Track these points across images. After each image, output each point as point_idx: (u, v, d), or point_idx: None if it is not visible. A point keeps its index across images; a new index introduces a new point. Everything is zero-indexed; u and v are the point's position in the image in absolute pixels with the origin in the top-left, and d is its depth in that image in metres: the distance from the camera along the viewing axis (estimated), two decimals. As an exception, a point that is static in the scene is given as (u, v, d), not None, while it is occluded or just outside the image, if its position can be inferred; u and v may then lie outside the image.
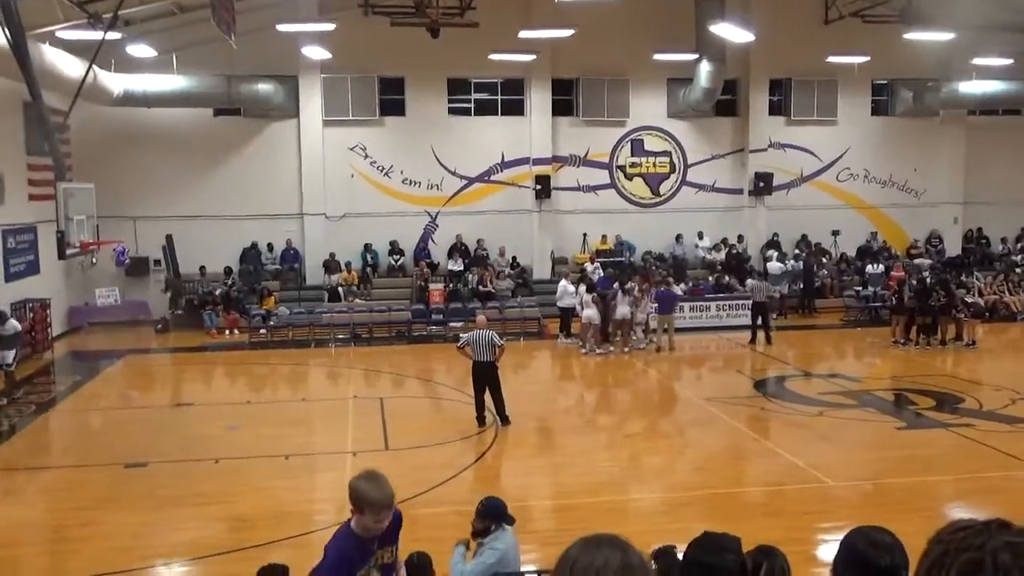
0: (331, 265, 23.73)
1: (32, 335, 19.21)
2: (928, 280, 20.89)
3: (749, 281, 21.64)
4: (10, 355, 15.70)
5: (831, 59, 24.35)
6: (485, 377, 13.24)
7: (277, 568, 5.38)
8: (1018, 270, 25.41)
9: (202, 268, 23.11)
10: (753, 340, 20.17)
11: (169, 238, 23.18)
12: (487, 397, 13.31)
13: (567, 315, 20.57)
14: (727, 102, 25.76)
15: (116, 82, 20.93)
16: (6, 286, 18.63)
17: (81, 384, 17.46)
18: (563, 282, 21.07)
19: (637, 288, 19.88)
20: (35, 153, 19.81)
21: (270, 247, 24.05)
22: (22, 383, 16.97)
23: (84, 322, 22.51)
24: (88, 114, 21.17)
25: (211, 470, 11.41)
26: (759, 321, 20.27)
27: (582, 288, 20.07)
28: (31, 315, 19.34)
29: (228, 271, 23.13)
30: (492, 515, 6.15)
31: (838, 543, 2.93)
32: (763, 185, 25.61)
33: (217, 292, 22.55)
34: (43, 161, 19.56)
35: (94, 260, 20.24)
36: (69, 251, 17.54)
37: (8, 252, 18.94)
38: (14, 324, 16.04)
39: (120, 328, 22.02)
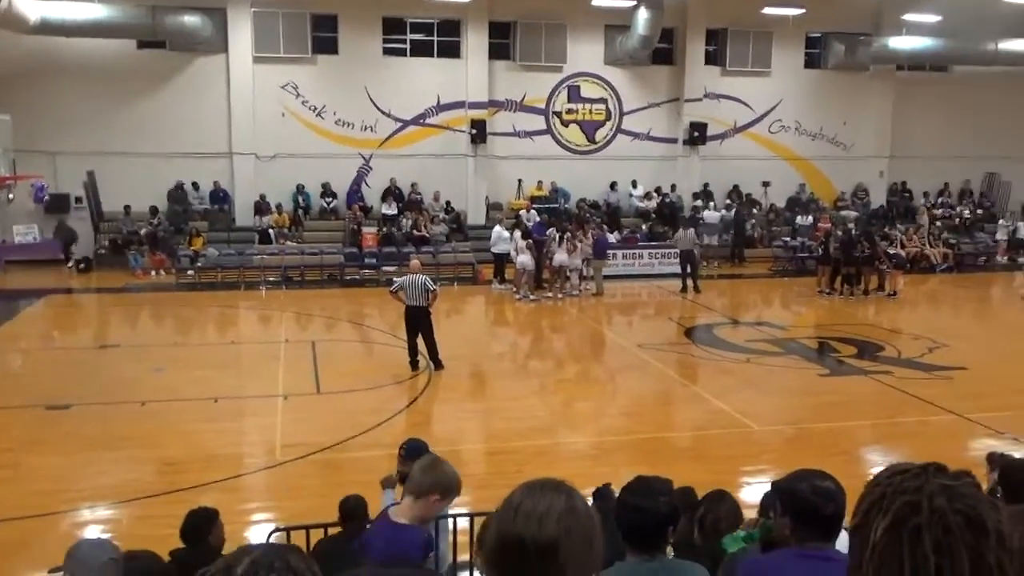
0: (262, 206, 23.24)
1: (-55, 273, 18.49)
2: (853, 232, 21.40)
3: (678, 231, 21.88)
4: None
5: (767, 10, 24.50)
6: (418, 322, 13.20)
7: (207, 511, 5.31)
8: (938, 223, 26.21)
9: (127, 207, 22.42)
10: (684, 288, 20.48)
11: (91, 175, 22.39)
12: (420, 342, 13.28)
13: (501, 261, 20.58)
14: (664, 51, 25.75)
15: (33, 8, 19.91)
16: (-84, 221, 17.83)
17: (-1, 324, 16.89)
18: (497, 228, 21.03)
19: (573, 235, 19.99)
20: (-55, 82, 18.85)
21: (195, 186, 23.40)
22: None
23: (1, 260, 21.70)
24: (4, 42, 20.17)
25: (137, 413, 11.19)
26: (688, 270, 20.54)
27: (517, 234, 20.06)
28: (-56, 252, 18.60)
29: (154, 210, 22.49)
30: (415, 457, 6.14)
31: (770, 485, 2.99)
32: (697, 135, 25.80)
33: (143, 232, 21.92)
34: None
35: (10, 196, 19.41)
36: (-16, 186, 16.82)
37: (-82, 186, 18.08)
38: None
39: (39, 267, 21.30)
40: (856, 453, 10.34)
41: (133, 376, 12.87)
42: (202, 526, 5.16)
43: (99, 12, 21.00)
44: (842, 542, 2.98)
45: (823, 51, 27.17)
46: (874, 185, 27.85)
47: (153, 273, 21.32)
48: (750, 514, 4.66)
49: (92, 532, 7.57)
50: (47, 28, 20.57)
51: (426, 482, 3.77)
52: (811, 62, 27.15)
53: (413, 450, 6.21)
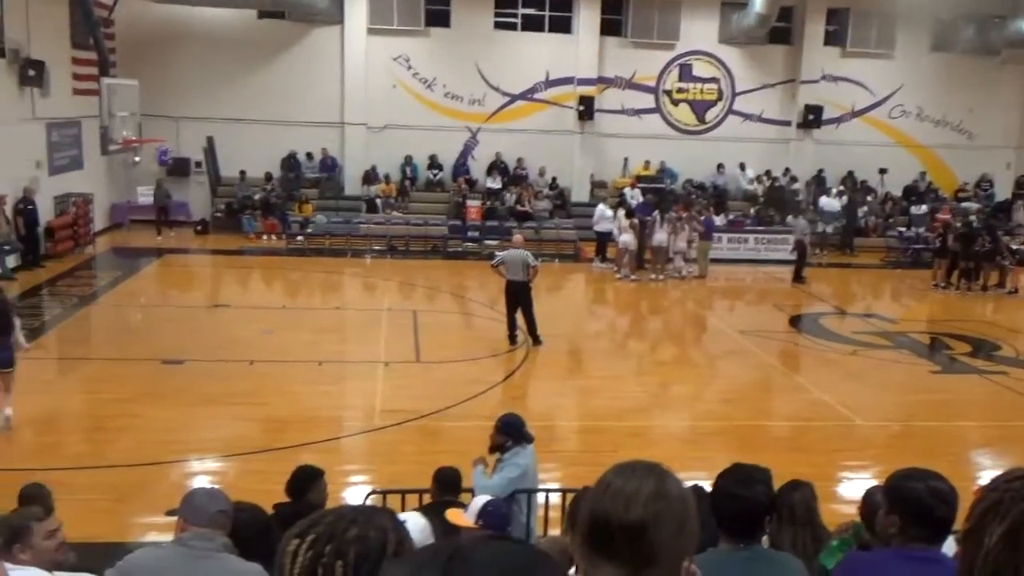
0: (370, 176, 23.70)
1: (74, 229, 19.51)
2: (974, 225, 20.45)
3: (790, 218, 21.15)
4: None
5: (893, -11, 23.46)
6: (518, 296, 13.27)
7: (313, 469, 5.50)
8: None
9: (242, 172, 23.18)
10: (798, 276, 19.75)
11: (210, 140, 23.23)
12: (519, 317, 13.36)
13: (603, 239, 20.44)
14: (781, 30, 24.98)
15: (162, -22, 20.71)
16: (50, 179, 18.84)
17: (121, 280, 17.76)
18: (601, 206, 20.90)
19: (679, 217, 19.73)
20: (80, 46, 19.78)
21: (309, 156, 24.00)
22: (64, 275, 17.33)
23: (125, 219, 22.79)
24: (133, 9, 21.07)
25: (245, 371, 11.63)
26: (796, 258, 19.93)
27: (620, 213, 19.90)
28: (74, 209, 19.60)
29: (268, 176, 23.19)
30: (510, 432, 6.23)
31: (882, 482, 2.91)
32: (812, 118, 24.99)
33: (256, 197, 22.66)
34: (87, 55, 19.55)
35: (137, 158, 20.33)
36: (112, 147, 17.63)
37: (52, 145, 19.09)
38: None
39: (161, 227, 22.24)
40: (965, 455, 9.96)
41: (243, 336, 13.37)
42: (306, 483, 5.35)
43: (223, -18, 21.67)
44: (947, 545, 2.88)
45: (952, 34, 25.87)
46: (999, 177, 26.50)
47: (265, 237, 22.03)
48: (845, 510, 4.55)
49: (201, 482, 7.93)
50: (175, -3, 21.36)
51: None
52: (938, 45, 25.89)
53: (509, 425, 6.30)
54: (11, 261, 16.86)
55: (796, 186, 25.03)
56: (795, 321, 16.29)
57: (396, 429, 9.84)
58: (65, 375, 11.98)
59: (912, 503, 2.81)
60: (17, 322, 9.61)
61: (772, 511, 3.06)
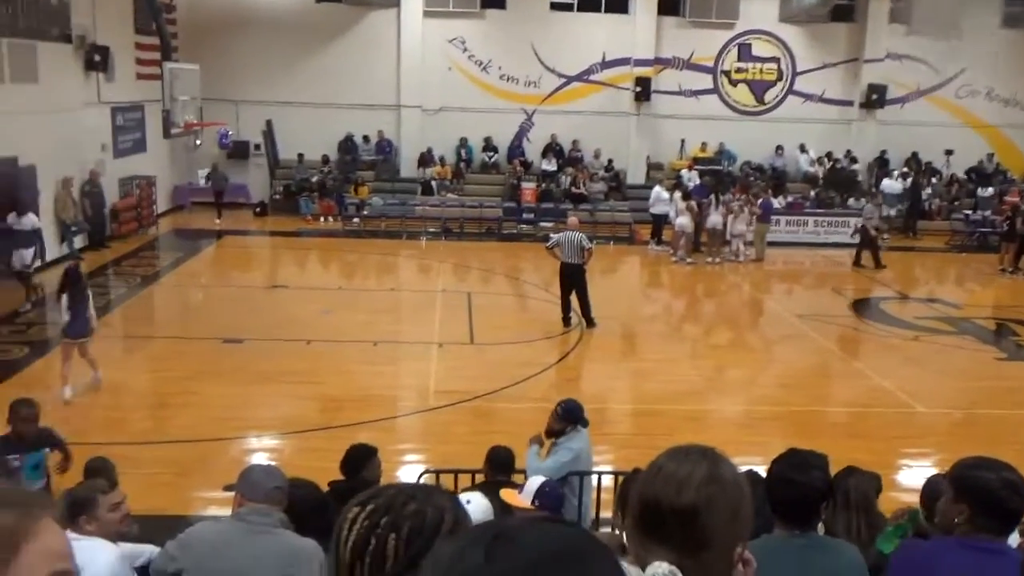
0: (426, 158, 23.79)
1: (138, 211, 19.95)
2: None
3: (851, 201, 20.63)
4: (28, 254, 13.71)
5: (963, -36, 22.67)
6: (572, 279, 13.23)
7: (367, 447, 5.57)
8: None
9: (300, 155, 23.43)
10: (877, 263, 19.06)
11: (269, 123, 23.52)
12: (573, 299, 13.32)
13: (660, 222, 20.26)
14: (844, 7, 24.36)
15: (222, -37, 20.98)
16: (115, 162, 19.28)
17: (183, 260, 18.14)
18: (657, 188, 20.70)
19: (736, 199, 19.46)
20: (143, 32, 20.16)
21: (366, 139, 24.17)
22: (128, 256, 17.75)
23: (187, 201, 23.24)
24: (195, -5, 21.37)
25: (303, 351, 11.81)
26: (867, 243, 19.19)
27: (677, 195, 19.69)
28: (138, 191, 20.04)
29: (325, 159, 23.42)
30: (569, 418, 6.24)
31: (944, 471, 2.83)
32: (876, 98, 24.38)
33: (314, 179, 22.91)
34: (150, 40, 19.91)
35: (198, 141, 20.70)
36: (174, 131, 17.96)
37: (117, 129, 19.53)
38: (32, 219, 14.11)
39: (221, 208, 22.63)
40: (1031, 444, 9.68)
41: (300, 316, 13.57)
42: (361, 460, 5.42)
43: (282, -34, 21.88)
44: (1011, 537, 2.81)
45: (1022, 9, 24.97)
46: (1073, 157, 25.59)
47: (322, 219, 22.27)
48: (905, 499, 4.46)
49: (259, 458, 8.08)
50: (234, -19, 21.64)
51: None
52: (1009, 21, 25.01)
53: (570, 411, 6.30)
54: (78, 242, 17.31)
55: (856, 167, 24.48)
56: (855, 305, 15.98)
57: (450, 409, 9.91)
58: (130, 353, 12.29)
59: (983, 493, 2.72)
60: (90, 296, 10.05)
61: (828, 497, 3.01)
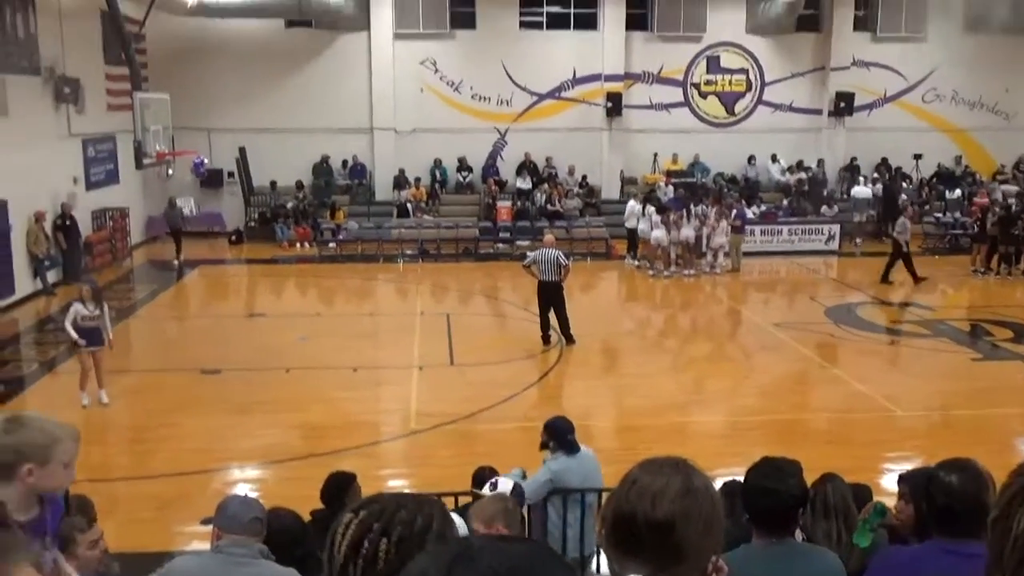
0: (400, 181, 23.81)
1: (112, 243, 19.82)
2: (1013, 208, 20.07)
3: (901, 219, 18.85)
4: None
5: (923, -28, 23.08)
6: (550, 296, 13.25)
7: (346, 475, 5.53)
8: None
9: (273, 182, 23.39)
10: (915, 278, 18.22)
11: (242, 151, 23.46)
12: (552, 316, 13.34)
13: (635, 236, 20.37)
14: (809, 17, 24.69)
15: (190, -8, 20.97)
16: (87, 194, 19.16)
17: (159, 292, 18.01)
18: (631, 202, 20.81)
19: (712, 211, 19.60)
20: (112, 62, 20.10)
21: (344, 164, 24.16)
22: (103, 289, 17.56)
23: (161, 232, 23.09)
24: (163, 24, 21.34)
25: (282, 379, 11.74)
26: (899, 257, 18.33)
27: (649, 209, 19.78)
28: (111, 223, 19.91)
29: (299, 185, 23.39)
30: (551, 434, 6.21)
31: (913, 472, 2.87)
32: (844, 105, 24.68)
33: (288, 205, 22.86)
34: (120, 71, 19.84)
35: (170, 171, 20.61)
36: (146, 161, 17.87)
37: (88, 161, 19.42)
38: None
39: (195, 238, 22.54)
40: (1010, 443, 9.79)
41: (279, 344, 13.49)
42: (341, 488, 5.38)
43: (250, -6, 21.88)
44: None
45: (984, 13, 25.40)
46: (1039, 158, 25.98)
47: (298, 245, 22.21)
48: (890, 503, 4.49)
49: (241, 490, 8.01)
50: (203, 10, 21.60)
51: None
52: (971, 25, 25.43)
53: (550, 426, 6.27)
54: (52, 276, 17.17)
55: (822, 174, 24.73)
56: (831, 312, 16.09)
57: (432, 432, 9.88)
58: (106, 387, 12.15)
59: (920, 491, 2.78)
60: (106, 310, 10.93)
61: (804, 503, 3.03)
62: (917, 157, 25.31)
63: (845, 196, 23.90)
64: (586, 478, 5.99)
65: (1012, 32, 24.73)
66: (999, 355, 13.22)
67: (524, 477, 6.20)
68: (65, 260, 17.71)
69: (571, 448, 6.06)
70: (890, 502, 4.64)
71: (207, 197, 23.56)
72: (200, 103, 22.63)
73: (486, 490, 4.83)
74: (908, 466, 8.84)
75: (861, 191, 23.61)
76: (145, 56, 21.64)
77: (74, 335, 10.49)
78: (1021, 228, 18.91)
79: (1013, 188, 24.18)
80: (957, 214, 23.03)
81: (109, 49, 19.97)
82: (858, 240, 22.73)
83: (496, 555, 1.05)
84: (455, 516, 4.08)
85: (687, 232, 19.15)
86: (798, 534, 3.30)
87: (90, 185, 19.43)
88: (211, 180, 23.38)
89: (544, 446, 6.23)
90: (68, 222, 17.81)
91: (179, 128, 20.36)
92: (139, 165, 18.25)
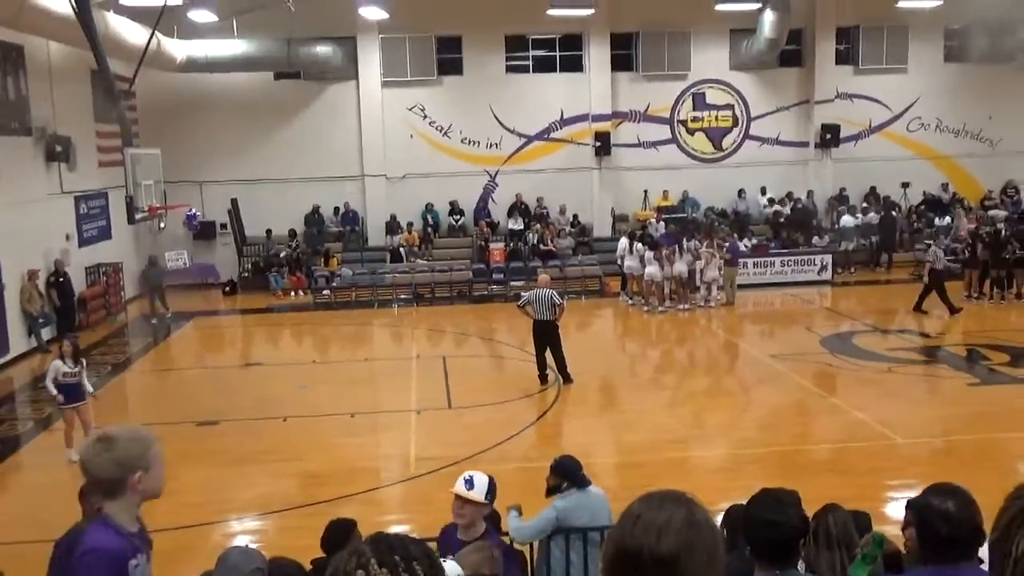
0: (392, 226, 23.90)
1: (106, 298, 19.80)
2: (1003, 232, 20.19)
3: (932, 248, 18.51)
4: None
5: (902, 4, 23.46)
6: (546, 336, 13.26)
7: (346, 522, 5.49)
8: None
9: (268, 231, 23.45)
10: (952, 309, 17.76)
11: (235, 202, 23.55)
12: (548, 356, 13.32)
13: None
14: (792, 52, 25.06)
15: (179, 48, 21.21)
16: (80, 251, 19.18)
17: (153, 345, 17.96)
18: (623, 239, 20.89)
19: (704, 245, 19.68)
20: (103, 120, 20.25)
21: (336, 211, 24.26)
22: (98, 344, 17.54)
23: (146, 289, 23.03)
24: (153, 80, 21.52)
25: (280, 428, 11.68)
26: (933, 287, 17.87)
27: (638, 246, 19.77)
28: (104, 278, 19.91)
29: (292, 233, 23.46)
30: (562, 474, 6.17)
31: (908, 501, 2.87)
32: (829, 137, 24.94)
33: (282, 255, 22.91)
34: (111, 128, 19.99)
35: (162, 225, 20.63)
36: (138, 216, 17.91)
37: (81, 217, 19.48)
38: None
39: (189, 290, 22.54)
40: (1012, 467, 9.75)
41: (275, 393, 13.44)
42: (341, 536, 5.33)
43: (239, 48, 22.13)
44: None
45: (964, 43, 25.79)
46: (1025, 182, 26.20)
47: (292, 293, 22.22)
48: (892, 532, 4.47)
49: (240, 541, 7.93)
50: (192, 65, 21.86)
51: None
52: (951, 55, 25.81)
53: (560, 466, 6.25)
54: (46, 333, 17.12)
55: (812, 204, 24.92)
56: (827, 341, 16.11)
57: (432, 476, 9.80)
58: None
59: (921, 520, 2.77)
60: (84, 365, 10.97)
61: (806, 533, 3.02)
62: (905, 185, 25.52)
63: (835, 226, 24.04)
64: (595, 516, 5.95)
65: (991, 61, 25.09)
66: (996, 379, 13.22)
67: (520, 514, 6.17)
68: (59, 317, 17.67)
69: (583, 482, 6.06)
70: (893, 530, 4.62)
71: (200, 249, 23.59)
72: (192, 156, 22.78)
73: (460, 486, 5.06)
74: (911, 494, 8.79)
75: (849, 220, 23.82)
76: (135, 112, 21.82)
77: (54, 392, 10.54)
78: (1011, 252, 19.01)
79: (1002, 213, 24.35)
80: (948, 241, 23.13)
81: (99, 107, 20.14)
82: (852, 269, 22.83)
83: None
84: (452, 563, 4.07)
85: (680, 267, 19.20)
86: (801, 565, 3.28)
87: (83, 241, 19.47)
88: (204, 232, 23.42)
89: (551, 491, 6.18)
90: (62, 279, 17.82)
91: (171, 182, 20.44)
92: (131, 220, 18.27)
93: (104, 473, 2.98)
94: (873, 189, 25.44)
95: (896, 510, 8.25)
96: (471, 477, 4.98)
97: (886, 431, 10.81)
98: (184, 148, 22.40)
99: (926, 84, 25.62)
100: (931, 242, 19.51)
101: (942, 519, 2.73)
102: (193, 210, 22.24)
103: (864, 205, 24.84)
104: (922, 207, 25.35)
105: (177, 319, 20.21)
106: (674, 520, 1.67)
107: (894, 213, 24.66)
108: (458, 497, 4.97)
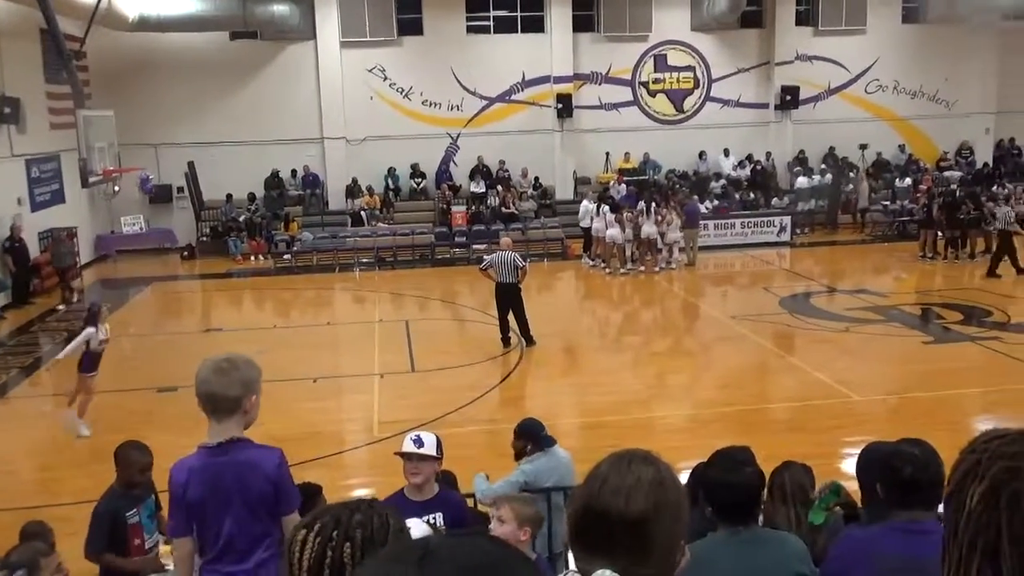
0: (353, 189, 23.68)
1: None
2: (957, 193, 20.52)
3: (1004, 209, 18.13)
4: None
5: (861, -35, 23.53)
6: (509, 299, 13.27)
7: (311, 487, 5.49)
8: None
9: (228, 196, 23.10)
10: (1019, 269, 17.58)
11: (191, 165, 23.16)
12: (511, 318, 13.36)
13: (590, 235, 20.46)
14: (752, 13, 25.06)
15: (131, 6, 20.64)
16: (33, 216, 18.76)
17: (111, 311, 17.63)
18: (585, 202, 20.92)
19: (662, 207, 19.74)
20: (54, 81, 19.72)
21: (294, 173, 23.97)
22: (54, 311, 17.23)
23: (111, 250, 22.71)
24: (105, 40, 20.97)
25: (242, 393, 11.57)
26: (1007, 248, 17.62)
27: (604, 208, 19.86)
28: (52, 243, 19.49)
29: (252, 197, 23.15)
30: (526, 435, 6.21)
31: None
32: (789, 99, 25.08)
33: (241, 219, 22.61)
34: (62, 89, 19.48)
35: (116, 188, 20.25)
36: (92, 179, 17.56)
37: (33, 181, 19.03)
38: None
39: (147, 255, 22.20)
40: (964, 423, 9.98)
41: (237, 358, 13.29)
42: (307, 500, 5.32)
43: (193, 6, 21.58)
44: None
45: (922, 4, 25.99)
46: (980, 143, 26.61)
47: (252, 258, 21.98)
48: (852, 486, 4.57)
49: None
50: (145, 24, 21.30)
51: None
52: (909, 16, 26.01)
53: (523, 428, 6.27)
54: (0, 300, 16.78)
55: (771, 166, 25.14)
56: (785, 302, 16.32)
57: (396, 440, 9.77)
58: (61, 410, 11.91)
59: (879, 466, 2.85)
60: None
61: (763, 488, 3.09)
62: (863, 147, 25.79)
63: (791, 187, 24.28)
64: (561, 479, 5.98)
65: (949, 22, 25.31)
66: (950, 337, 13.50)
67: (487, 480, 6.21)
68: (14, 283, 17.31)
69: (548, 442, 6.09)
70: (852, 485, 4.73)
71: (157, 213, 23.22)
72: (146, 119, 22.32)
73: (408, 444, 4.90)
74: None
75: (804, 181, 24.14)
76: (87, 73, 21.25)
77: (68, 355, 10.06)
78: (965, 213, 19.34)
79: (956, 174, 24.74)
80: (905, 201, 23.49)
81: (49, 67, 19.59)
82: (798, 230, 22.92)
83: (462, 552, 1.05)
84: (418, 521, 4.09)
85: (648, 229, 19.20)
86: (760, 520, 3.34)
87: (35, 206, 19.04)
88: (161, 196, 23.07)
89: (519, 455, 6.21)
90: (17, 244, 17.44)
91: (125, 145, 20.05)
92: (85, 184, 17.93)
93: (231, 391, 3.16)
94: (832, 151, 25.67)
95: (853, 466, 8.44)
96: (418, 436, 4.96)
97: (843, 389, 11.01)
98: (139, 110, 21.94)
99: (884, 45, 25.80)
100: (996, 203, 18.70)
101: (908, 460, 2.80)
102: (147, 173, 21.89)
103: (823, 167, 25.08)
104: (875, 168, 25.65)
105: (135, 284, 19.91)
106: (642, 481, 1.67)
107: (850, 174, 24.93)
108: (410, 457, 4.93)
